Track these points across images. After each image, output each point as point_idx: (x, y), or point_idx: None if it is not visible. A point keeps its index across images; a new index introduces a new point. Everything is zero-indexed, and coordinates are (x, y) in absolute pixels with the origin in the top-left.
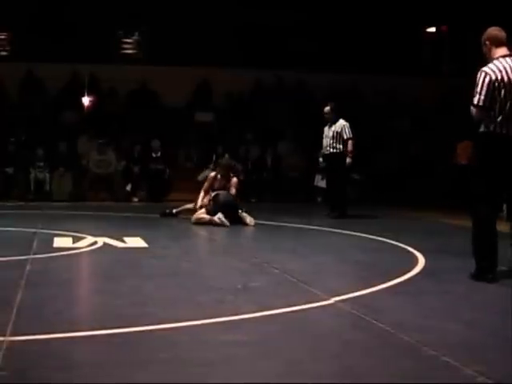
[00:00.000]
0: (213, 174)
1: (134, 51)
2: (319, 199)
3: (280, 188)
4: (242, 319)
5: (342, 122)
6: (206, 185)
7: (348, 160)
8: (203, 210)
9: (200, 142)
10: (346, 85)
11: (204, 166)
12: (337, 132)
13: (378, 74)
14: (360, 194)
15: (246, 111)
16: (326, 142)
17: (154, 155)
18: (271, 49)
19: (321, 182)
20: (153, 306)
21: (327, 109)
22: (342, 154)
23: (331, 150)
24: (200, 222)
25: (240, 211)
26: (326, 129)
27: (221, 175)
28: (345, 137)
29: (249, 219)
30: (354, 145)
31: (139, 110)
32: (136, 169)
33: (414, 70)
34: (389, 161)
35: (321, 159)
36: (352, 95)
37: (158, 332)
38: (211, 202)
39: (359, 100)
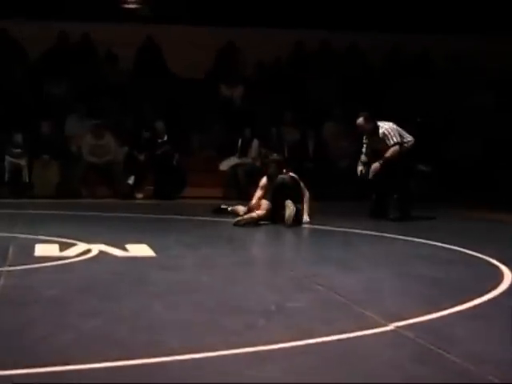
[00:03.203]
0: (264, 180)
1: (139, 6)
2: (375, 196)
3: (325, 181)
4: (276, 349)
5: (382, 130)
6: (259, 193)
7: (376, 165)
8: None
9: (222, 123)
10: (413, 48)
11: (228, 154)
12: (381, 140)
13: (448, 33)
14: (428, 190)
15: (283, 84)
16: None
17: (159, 140)
18: (315, 4)
19: None
20: (162, 333)
21: (360, 120)
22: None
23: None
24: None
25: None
26: (366, 142)
27: (271, 174)
28: (389, 144)
29: (288, 214)
30: (396, 152)
31: (145, 82)
32: (141, 157)
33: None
34: (465, 147)
35: (360, 167)
36: (420, 61)
37: (169, 366)
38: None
39: (428, 68)
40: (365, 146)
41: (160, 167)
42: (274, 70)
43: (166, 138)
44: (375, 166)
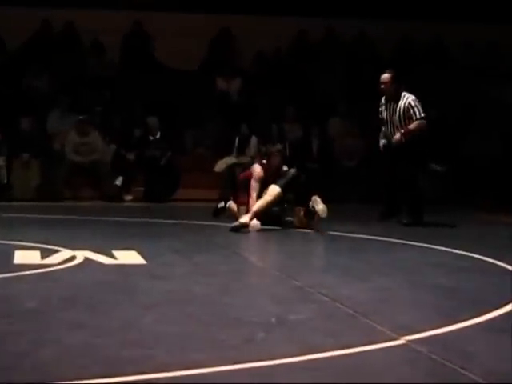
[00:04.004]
0: (258, 169)
1: None
2: (385, 197)
3: (330, 182)
4: (278, 365)
5: (408, 100)
6: (256, 186)
7: (397, 136)
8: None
9: (218, 119)
10: (425, 36)
11: (224, 152)
12: (402, 111)
13: (463, 20)
14: (442, 192)
15: (284, 76)
16: (388, 127)
17: (151, 138)
18: None
19: None
20: (154, 347)
21: (386, 76)
22: (414, 140)
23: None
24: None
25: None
26: (383, 107)
27: (272, 167)
28: (414, 117)
29: (321, 208)
30: (423, 126)
31: (134, 74)
32: (130, 156)
33: None
34: (483, 144)
35: (383, 141)
36: (433, 51)
37: (161, 382)
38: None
39: (442, 58)
40: (381, 110)
41: (150, 167)
42: (274, 61)
43: (158, 135)
44: (396, 137)
